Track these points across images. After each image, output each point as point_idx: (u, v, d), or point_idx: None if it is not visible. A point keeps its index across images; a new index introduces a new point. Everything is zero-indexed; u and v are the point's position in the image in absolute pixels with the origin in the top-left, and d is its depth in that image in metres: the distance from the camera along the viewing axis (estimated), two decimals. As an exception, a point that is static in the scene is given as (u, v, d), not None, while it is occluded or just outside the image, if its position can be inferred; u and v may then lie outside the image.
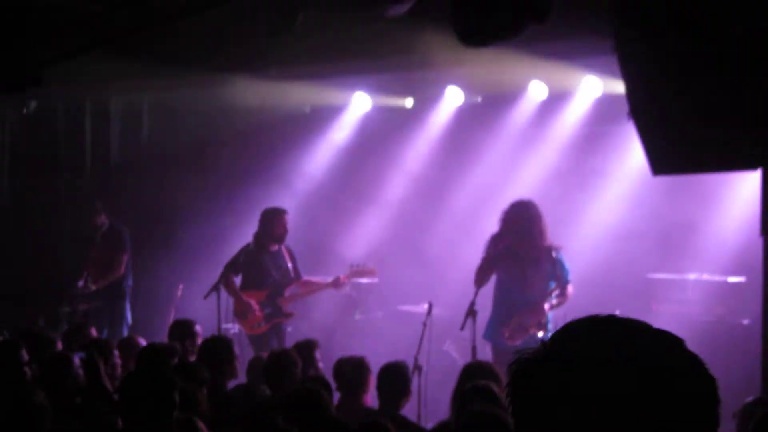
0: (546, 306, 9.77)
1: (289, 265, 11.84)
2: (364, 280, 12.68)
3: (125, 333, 12.29)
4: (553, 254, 9.98)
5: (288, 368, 8.02)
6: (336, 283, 11.75)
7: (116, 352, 8.84)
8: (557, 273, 9.93)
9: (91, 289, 12.87)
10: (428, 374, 9.57)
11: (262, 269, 11.67)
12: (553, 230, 10.19)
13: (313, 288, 11.96)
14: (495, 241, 9.99)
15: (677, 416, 1.76)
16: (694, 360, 1.83)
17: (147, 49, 9.95)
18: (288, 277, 11.81)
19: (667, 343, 1.84)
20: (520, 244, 9.95)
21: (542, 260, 9.97)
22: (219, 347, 8.51)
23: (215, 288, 11.15)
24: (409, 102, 13.84)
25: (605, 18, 6.41)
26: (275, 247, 11.80)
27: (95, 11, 8.75)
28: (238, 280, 11.68)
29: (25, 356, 7.97)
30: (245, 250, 11.64)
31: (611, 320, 1.88)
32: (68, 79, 11.71)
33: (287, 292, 11.79)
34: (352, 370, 7.94)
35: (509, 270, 10.00)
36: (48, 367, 7.89)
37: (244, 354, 10.21)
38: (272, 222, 11.75)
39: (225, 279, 11.48)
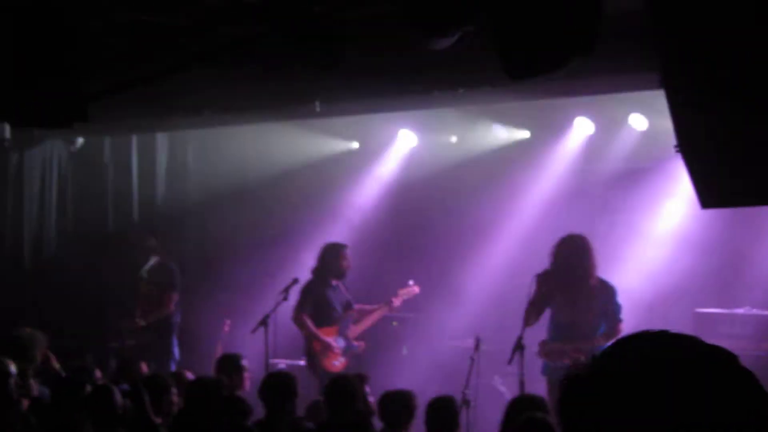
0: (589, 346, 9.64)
1: (347, 297, 11.88)
2: (412, 315, 12.69)
3: (173, 368, 12.32)
4: (605, 291, 9.88)
5: (350, 393, 7.96)
6: (390, 306, 11.87)
7: (174, 390, 8.84)
8: (609, 309, 9.82)
9: (140, 324, 12.96)
10: (476, 409, 9.53)
11: (329, 305, 11.73)
12: (601, 265, 10.12)
13: (372, 316, 12.01)
14: (543, 278, 9.91)
15: None
16: (748, 377, 1.80)
17: (190, 85, 9.95)
18: (349, 309, 11.86)
19: (721, 359, 1.81)
20: (571, 279, 9.86)
21: (593, 296, 9.85)
22: (283, 383, 8.44)
23: (263, 323, 11.15)
24: (454, 138, 13.85)
25: (652, 51, 6.38)
26: (335, 282, 11.83)
27: (144, 47, 8.83)
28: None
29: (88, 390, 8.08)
30: (308, 288, 11.69)
31: (663, 335, 1.86)
32: (114, 115, 11.76)
33: (351, 324, 11.84)
34: (397, 403, 7.90)
35: (560, 305, 9.91)
36: (89, 398, 7.94)
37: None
38: (336, 257, 11.80)
39: (299, 321, 11.57)
